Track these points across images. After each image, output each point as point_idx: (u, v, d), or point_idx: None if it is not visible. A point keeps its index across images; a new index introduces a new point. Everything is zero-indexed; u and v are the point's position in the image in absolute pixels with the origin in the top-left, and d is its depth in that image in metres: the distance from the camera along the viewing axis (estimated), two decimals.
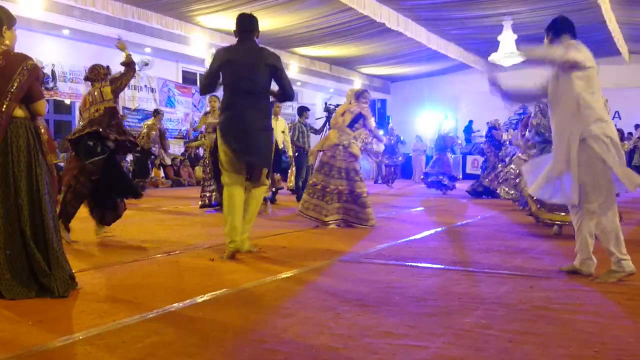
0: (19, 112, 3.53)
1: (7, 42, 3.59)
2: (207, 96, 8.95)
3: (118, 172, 6.00)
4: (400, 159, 17.52)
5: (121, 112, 7.99)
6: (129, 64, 6.13)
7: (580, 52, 4.08)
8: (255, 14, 5.13)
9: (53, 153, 7.97)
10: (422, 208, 10.11)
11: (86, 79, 6.30)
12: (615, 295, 3.58)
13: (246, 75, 4.89)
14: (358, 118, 7.11)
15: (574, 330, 2.87)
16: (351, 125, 7.07)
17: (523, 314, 3.16)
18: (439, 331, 2.85)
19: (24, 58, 3.57)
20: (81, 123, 5.87)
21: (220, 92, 5.19)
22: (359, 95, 7.35)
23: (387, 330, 2.85)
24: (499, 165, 11.23)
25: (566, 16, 4.55)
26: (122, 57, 6.13)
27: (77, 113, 15.31)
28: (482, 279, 4.08)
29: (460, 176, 21.20)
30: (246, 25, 5.05)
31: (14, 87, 3.46)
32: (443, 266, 4.53)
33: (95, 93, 5.91)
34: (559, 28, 4.35)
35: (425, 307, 3.30)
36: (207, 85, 5.09)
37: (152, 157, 13.33)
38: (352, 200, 6.91)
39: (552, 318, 3.08)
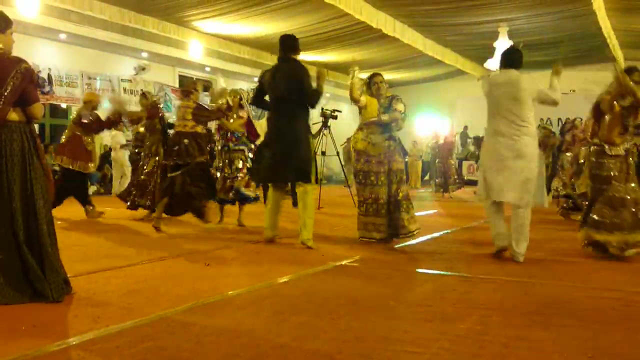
0: (14, 116, 3.52)
1: (0, 45, 3.58)
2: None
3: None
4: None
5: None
6: (221, 111, 7.16)
7: None
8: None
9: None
10: (419, 213, 10.09)
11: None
12: (609, 301, 3.58)
13: None
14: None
15: (568, 336, 2.87)
16: None
17: (518, 319, 3.16)
18: (435, 336, 2.84)
19: (18, 61, 3.55)
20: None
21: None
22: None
23: (383, 335, 2.85)
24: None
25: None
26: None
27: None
28: (477, 285, 4.08)
29: None
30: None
31: (7, 91, 3.45)
32: (439, 271, 4.53)
33: (182, 110, 7.00)
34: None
35: (421, 313, 3.30)
36: None
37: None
38: None
39: (547, 323, 3.08)
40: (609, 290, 3.90)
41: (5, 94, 3.45)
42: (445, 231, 7.27)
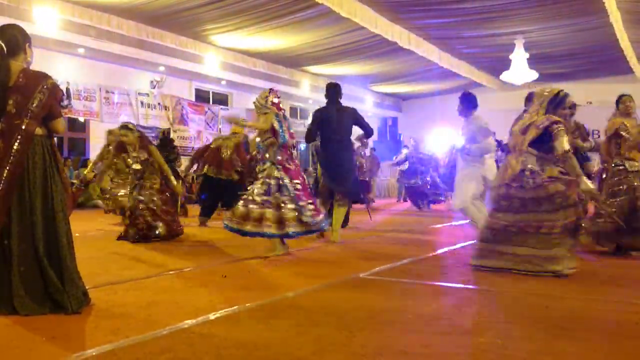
0: (38, 130, 3.56)
1: (28, 59, 3.65)
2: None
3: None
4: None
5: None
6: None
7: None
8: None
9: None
10: (436, 226, 10.06)
11: None
12: (633, 315, 3.53)
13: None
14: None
15: (591, 350, 2.83)
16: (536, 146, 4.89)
17: (539, 333, 3.12)
18: (455, 351, 2.81)
19: (44, 77, 3.60)
20: None
21: None
22: (559, 102, 4.98)
23: (402, 350, 2.82)
24: None
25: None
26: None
27: (91, 131, 15.50)
28: (496, 298, 4.04)
29: None
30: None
31: (34, 105, 3.49)
32: (457, 285, 4.49)
33: None
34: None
35: (440, 326, 3.26)
36: None
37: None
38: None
39: (568, 337, 3.03)
40: (631, 304, 3.84)
41: (32, 108, 3.48)
42: (464, 244, 7.21)
